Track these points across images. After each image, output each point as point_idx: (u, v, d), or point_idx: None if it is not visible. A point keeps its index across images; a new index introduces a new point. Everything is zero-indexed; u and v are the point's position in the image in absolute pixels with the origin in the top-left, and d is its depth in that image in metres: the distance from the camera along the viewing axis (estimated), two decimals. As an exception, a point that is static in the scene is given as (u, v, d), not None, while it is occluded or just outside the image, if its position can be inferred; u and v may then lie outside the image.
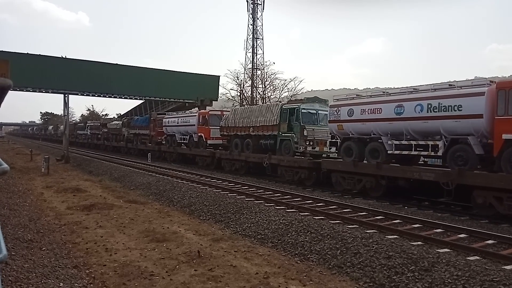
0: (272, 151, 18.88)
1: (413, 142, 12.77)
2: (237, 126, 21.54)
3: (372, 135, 14.20)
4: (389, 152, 13.43)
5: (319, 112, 18.17)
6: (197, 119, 26.03)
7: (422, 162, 14.83)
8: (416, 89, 13.24)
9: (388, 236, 8.11)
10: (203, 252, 7.38)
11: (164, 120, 30.56)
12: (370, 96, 14.80)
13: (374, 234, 8.21)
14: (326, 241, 7.76)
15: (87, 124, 53.79)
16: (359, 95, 15.64)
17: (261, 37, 48.05)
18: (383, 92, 14.47)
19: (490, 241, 7.97)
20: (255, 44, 47.56)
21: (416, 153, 12.90)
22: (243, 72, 46.47)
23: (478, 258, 6.80)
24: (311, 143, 17.42)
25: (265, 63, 47.10)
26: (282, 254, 7.63)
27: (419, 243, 7.75)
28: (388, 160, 13.56)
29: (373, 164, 13.58)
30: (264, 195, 13.22)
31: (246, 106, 22.82)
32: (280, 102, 19.71)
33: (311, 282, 6.16)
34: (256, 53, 47.48)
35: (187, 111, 31.64)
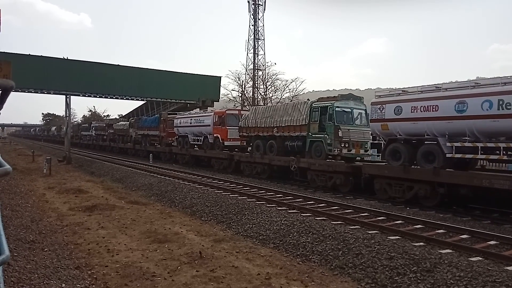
0: (299, 153, 17.45)
1: (479, 144, 11.04)
2: (258, 126, 20.01)
3: (425, 136, 12.44)
4: (448, 155, 11.70)
5: (354, 110, 16.43)
6: (213, 119, 24.31)
7: (480, 167, 13.28)
8: (477, 83, 11.68)
9: (390, 237, 8.10)
10: (205, 253, 7.38)
11: (175, 120, 29.04)
12: (421, 91, 12.83)
13: (376, 235, 8.19)
14: (328, 242, 7.75)
15: (92, 124, 52.13)
16: (405, 90, 13.60)
17: (262, 38, 48.15)
18: (437, 86, 12.62)
19: (492, 242, 7.96)
20: (256, 45, 47.65)
21: (483, 156, 11.31)
22: (244, 73, 46.54)
23: (480, 259, 6.78)
24: (347, 145, 15.73)
25: (266, 64, 47.16)
26: (283, 255, 7.63)
27: (421, 244, 7.74)
28: (445, 164, 11.83)
29: (429, 170, 11.86)
30: (266, 196, 13.21)
31: (268, 104, 21.23)
32: (309, 100, 17.91)
33: (313, 283, 6.16)
34: (257, 53, 47.59)
35: (201, 111, 30.13)
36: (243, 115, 22.39)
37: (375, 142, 15.45)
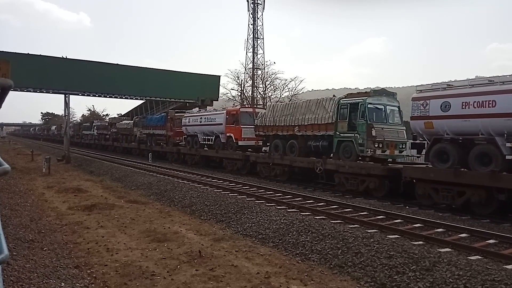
0: (324, 154, 16.25)
1: None
2: (277, 125, 18.60)
3: (480, 135, 11.15)
4: (508, 157, 10.58)
5: (387, 107, 14.99)
6: (225, 117, 22.91)
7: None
8: None
9: (389, 236, 8.11)
10: (204, 252, 7.38)
11: (183, 119, 27.68)
12: (472, 85, 11.55)
13: (375, 233, 8.21)
14: (327, 241, 7.75)
15: (94, 123, 50.74)
16: (450, 85, 12.22)
17: (261, 37, 48.10)
18: (490, 80, 11.37)
19: (491, 241, 7.97)
20: (256, 44, 47.62)
21: None
22: (243, 72, 46.52)
23: (479, 257, 6.80)
24: (381, 145, 14.21)
25: (265, 63, 47.14)
26: (283, 254, 7.63)
27: (420, 242, 7.76)
28: (504, 167, 10.57)
29: (486, 173, 10.54)
30: (265, 195, 13.22)
31: (288, 102, 19.25)
32: (334, 96, 16.50)
33: (312, 282, 6.16)
34: (257, 53, 47.54)
35: (212, 109, 28.94)
36: (259, 113, 21.15)
37: (416, 142, 13.62)
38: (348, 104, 15.19)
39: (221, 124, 23.28)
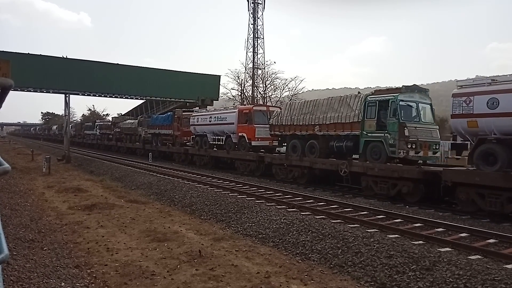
0: (348, 155, 15.32)
1: None
2: (295, 124, 17.44)
3: None
4: None
5: (419, 104, 13.84)
6: (237, 116, 21.81)
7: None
8: None
9: (390, 235, 8.11)
10: (204, 252, 7.38)
11: (192, 118, 26.57)
12: None
13: (375, 233, 8.21)
14: (327, 241, 7.76)
15: (96, 123, 49.62)
16: (494, 79, 11.23)
17: (261, 37, 48.10)
18: None
19: (491, 240, 7.97)
20: (256, 43, 47.61)
21: None
22: (243, 71, 46.53)
23: (479, 257, 6.80)
24: (414, 146, 13.03)
25: (265, 63, 47.14)
26: (283, 254, 7.63)
27: (420, 242, 7.76)
28: None
29: None
30: (265, 195, 13.21)
31: (308, 99, 17.77)
32: (360, 93, 15.44)
33: (312, 281, 6.16)
34: (257, 52, 47.54)
35: (223, 108, 27.82)
36: (274, 112, 19.98)
37: (456, 142, 12.78)
38: (377, 102, 14.03)
39: (233, 123, 22.15)
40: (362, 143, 14.42)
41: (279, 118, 18.58)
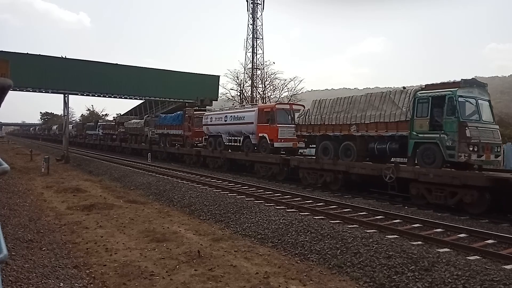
0: (391, 158, 14.31)
1: None
2: (326, 123, 15.77)
3: None
4: None
5: (478, 101, 12.09)
6: (256, 115, 20.11)
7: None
8: None
9: (388, 236, 8.11)
10: (203, 252, 7.38)
11: (204, 117, 24.82)
12: None
13: (374, 233, 8.21)
14: (326, 241, 7.76)
15: (99, 123, 48.38)
16: None
17: (261, 37, 48.02)
18: None
19: (490, 241, 7.97)
20: (255, 44, 47.53)
21: None
22: (243, 72, 46.50)
23: (478, 257, 6.80)
24: (476, 149, 11.41)
25: (265, 63, 47.12)
26: (282, 254, 7.63)
27: (419, 242, 7.76)
28: None
29: None
30: (264, 195, 13.21)
31: (341, 96, 16.09)
32: (404, 88, 13.86)
33: (311, 282, 6.16)
34: (256, 53, 47.47)
35: (239, 106, 26.19)
36: (301, 110, 18.32)
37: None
38: (430, 98, 12.30)
39: (252, 123, 20.37)
40: (411, 145, 12.68)
41: (307, 117, 16.82)
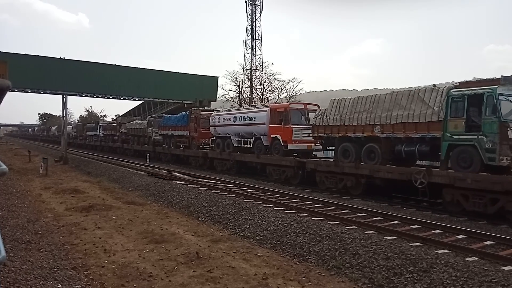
0: (419, 161, 13.65)
1: None
2: (346, 124, 14.79)
3: None
4: None
5: None
6: (269, 116, 19.23)
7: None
8: None
9: (387, 237, 8.12)
10: (202, 253, 7.37)
11: (212, 118, 23.92)
12: None
13: (373, 235, 8.21)
14: (325, 242, 7.76)
15: (100, 123, 47.51)
16: None
17: (259, 38, 48.08)
18: None
19: (488, 242, 7.99)
20: (254, 45, 47.59)
21: None
22: (241, 73, 46.52)
23: (476, 259, 6.81)
24: None
25: (264, 64, 47.15)
26: (281, 255, 7.63)
27: (418, 244, 7.76)
28: None
29: None
30: (263, 196, 13.21)
31: (363, 95, 15.15)
32: (435, 85, 12.90)
33: (310, 283, 6.16)
34: (255, 54, 47.51)
35: (250, 106, 25.30)
36: (318, 110, 17.20)
37: None
38: (466, 96, 11.32)
39: (263, 123, 19.50)
40: (445, 147, 11.72)
41: (324, 117, 15.76)
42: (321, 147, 17.18)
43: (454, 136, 11.53)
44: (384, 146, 13.56)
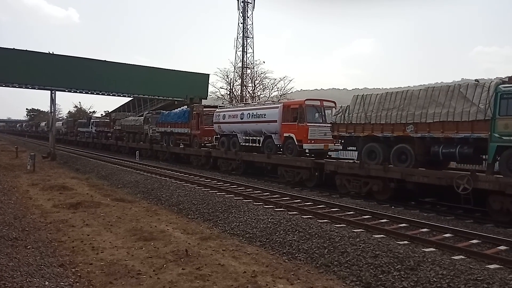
0: (460, 164, 12.60)
1: None
2: (372, 122, 13.50)
3: None
4: None
5: None
6: (281, 113, 17.92)
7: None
8: None
9: (375, 236, 8.19)
10: (191, 251, 7.36)
11: (215, 114, 22.46)
12: None
13: (361, 233, 8.28)
14: (314, 240, 7.80)
15: (92, 120, 45.24)
16: None
17: (251, 36, 48.09)
18: None
19: (474, 241, 8.10)
20: (245, 43, 47.55)
21: None
22: (233, 70, 46.45)
23: (463, 257, 6.92)
24: None
25: (255, 62, 47.13)
26: (270, 253, 7.65)
27: (405, 242, 7.85)
28: None
29: None
30: (253, 194, 13.22)
31: (392, 91, 13.68)
32: (477, 81, 11.60)
33: (298, 280, 6.19)
34: (246, 51, 47.50)
35: (258, 102, 23.83)
36: (338, 108, 15.75)
37: None
38: None
39: (275, 121, 18.17)
40: (493, 149, 10.52)
41: (346, 115, 14.47)
42: (341, 147, 16.05)
43: (504, 137, 10.26)
44: (418, 147, 12.30)
